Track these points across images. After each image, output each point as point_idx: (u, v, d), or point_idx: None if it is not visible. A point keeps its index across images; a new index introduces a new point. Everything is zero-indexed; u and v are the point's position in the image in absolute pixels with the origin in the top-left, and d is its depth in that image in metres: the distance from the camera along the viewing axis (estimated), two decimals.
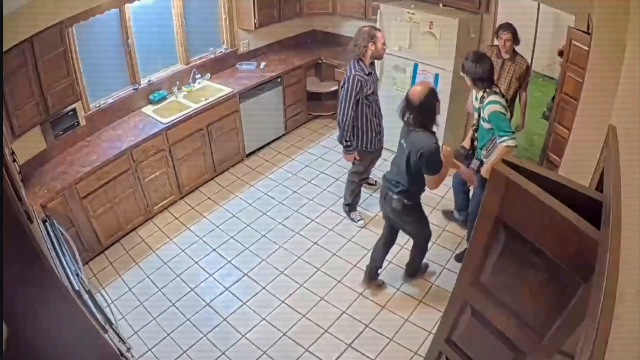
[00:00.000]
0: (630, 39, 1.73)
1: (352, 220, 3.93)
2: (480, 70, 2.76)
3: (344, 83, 3.24)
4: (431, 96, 2.49)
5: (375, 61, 3.45)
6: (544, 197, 1.32)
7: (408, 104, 2.52)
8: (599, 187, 1.60)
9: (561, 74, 3.27)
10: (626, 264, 0.91)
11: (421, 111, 2.50)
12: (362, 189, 4.09)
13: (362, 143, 3.47)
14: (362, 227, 3.87)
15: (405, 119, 2.59)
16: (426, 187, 2.71)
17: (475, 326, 1.83)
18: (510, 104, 3.60)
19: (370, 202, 4.17)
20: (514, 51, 3.56)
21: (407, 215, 2.82)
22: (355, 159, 3.52)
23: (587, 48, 2.67)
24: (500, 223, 1.54)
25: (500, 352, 1.72)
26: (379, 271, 3.29)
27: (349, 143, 3.41)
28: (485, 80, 2.80)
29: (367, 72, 3.26)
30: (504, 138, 2.70)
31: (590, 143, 2.13)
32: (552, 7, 4.44)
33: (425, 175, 2.58)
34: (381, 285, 3.31)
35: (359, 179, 3.77)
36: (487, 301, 1.72)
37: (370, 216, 3.99)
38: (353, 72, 3.20)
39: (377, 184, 4.30)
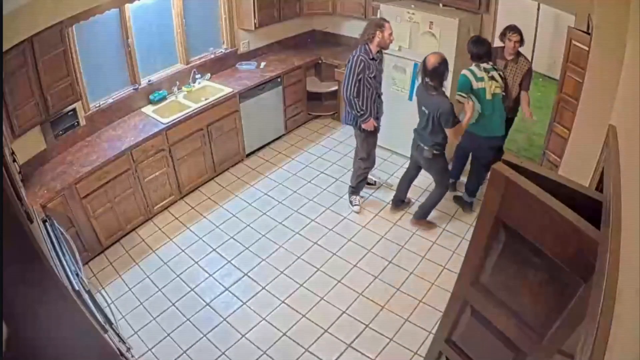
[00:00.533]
0: (630, 39, 1.73)
1: (350, 202, 4.08)
2: (474, 50, 3.41)
3: (348, 62, 3.46)
4: (442, 64, 3.09)
5: (384, 54, 3.64)
6: (544, 197, 1.32)
7: (423, 69, 3.17)
8: (599, 187, 1.60)
9: (561, 74, 3.26)
10: (626, 264, 0.91)
11: (433, 75, 3.11)
12: (379, 196, 4.21)
13: (350, 111, 3.62)
14: (356, 213, 4.01)
15: (423, 82, 3.23)
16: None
17: (475, 326, 1.83)
18: (515, 104, 3.72)
19: (371, 201, 4.17)
20: (518, 52, 3.59)
21: (435, 163, 3.48)
22: (374, 125, 3.63)
23: (587, 48, 2.67)
24: (500, 223, 1.54)
25: (500, 352, 1.72)
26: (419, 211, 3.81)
27: (362, 111, 3.53)
28: (477, 57, 3.39)
29: (371, 57, 3.43)
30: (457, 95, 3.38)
31: (590, 143, 2.13)
32: (552, 7, 4.44)
33: (446, 129, 3.19)
34: (431, 224, 3.83)
35: (364, 165, 3.89)
36: (487, 301, 1.72)
37: (370, 216, 3.99)
38: (358, 53, 3.41)
39: (377, 184, 4.32)
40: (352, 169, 4.10)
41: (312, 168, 4.65)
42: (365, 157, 3.83)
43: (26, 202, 2.02)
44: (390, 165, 4.67)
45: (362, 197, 4.14)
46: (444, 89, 3.21)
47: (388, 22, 3.46)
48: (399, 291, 3.27)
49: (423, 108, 3.31)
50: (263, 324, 3.05)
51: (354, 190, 4.06)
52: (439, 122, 3.19)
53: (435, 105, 3.16)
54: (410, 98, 4.32)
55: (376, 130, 3.73)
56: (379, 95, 3.66)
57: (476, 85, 3.35)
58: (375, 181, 4.35)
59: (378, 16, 4.21)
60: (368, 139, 3.74)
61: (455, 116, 3.17)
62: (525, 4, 5.39)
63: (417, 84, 3.44)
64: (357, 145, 3.88)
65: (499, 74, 3.40)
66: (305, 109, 5.32)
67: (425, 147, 3.40)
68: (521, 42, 3.53)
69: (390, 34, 3.44)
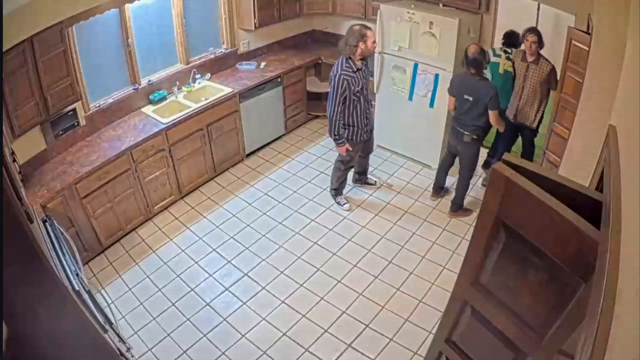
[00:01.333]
0: (630, 39, 1.73)
1: (338, 203, 4.10)
2: (508, 40, 3.87)
3: (331, 81, 3.40)
4: (481, 54, 3.34)
5: (373, 56, 3.63)
6: (544, 197, 1.32)
7: (466, 59, 3.40)
8: (599, 187, 1.60)
9: (561, 74, 3.26)
10: (626, 264, 0.91)
11: (474, 63, 3.35)
12: (363, 189, 4.24)
13: (349, 134, 3.63)
14: (347, 210, 4.04)
15: (467, 70, 3.45)
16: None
17: (475, 326, 1.83)
18: (540, 106, 3.77)
19: (371, 201, 4.17)
20: (539, 54, 3.61)
21: (473, 147, 3.64)
22: (347, 150, 3.65)
23: (587, 48, 2.67)
24: (500, 223, 1.54)
25: (500, 352, 1.72)
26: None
27: (336, 136, 3.55)
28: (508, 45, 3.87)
29: (355, 70, 3.37)
30: None
31: (590, 143, 2.13)
32: (552, 7, 4.44)
33: (490, 111, 3.39)
34: (468, 211, 3.97)
35: (344, 167, 3.91)
36: (487, 301, 1.72)
37: (370, 216, 3.99)
38: (339, 71, 3.32)
39: (377, 183, 4.33)
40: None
41: (312, 168, 4.65)
42: (347, 160, 3.85)
43: (26, 202, 2.02)
44: (390, 165, 4.67)
45: (349, 196, 4.18)
46: (485, 75, 3.47)
47: (370, 28, 3.38)
48: (399, 291, 3.27)
49: (466, 96, 3.46)
50: (263, 324, 3.05)
51: (336, 191, 4.08)
52: (485, 106, 3.38)
53: (485, 90, 3.36)
54: (410, 98, 4.32)
55: (361, 141, 3.74)
56: (369, 103, 3.67)
57: (492, 59, 3.79)
58: (375, 181, 4.36)
59: (377, 17, 4.22)
60: (353, 146, 3.71)
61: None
62: (525, 4, 5.38)
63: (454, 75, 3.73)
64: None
65: (512, 62, 3.79)
66: (305, 109, 5.32)
67: (466, 132, 3.56)
68: (539, 43, 3.57)
69: (374, 42, 3.38)
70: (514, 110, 3.83)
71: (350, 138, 3.64)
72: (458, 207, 3.97)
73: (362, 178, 4.33)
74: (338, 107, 3.40)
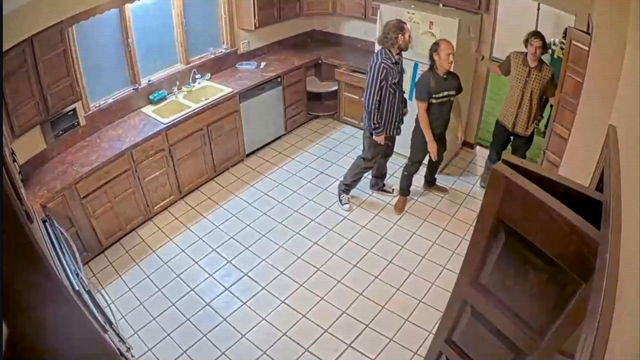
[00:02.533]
0: (630, 39, 1.73)
1: (340, 201, 4.10)
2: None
3: (370, 69, 3.42)
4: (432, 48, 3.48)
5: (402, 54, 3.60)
6: (544, 197, 1.32)
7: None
8: (599, 187, 1.60)
9: (561, 74, 3.26)
10: (626, 264, 0.91)
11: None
12: (379, 196, 4.24)
13: (367, 121, 3.61)
14: (347, 211, 4.05)
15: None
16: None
17: (475, 326, 1.83)
18: (538, 110, 3.74)
19: (371, 201, 4.16)
20: (541, 60, 3.55)
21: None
22: (385, 138, 3.65)
23: (587, 48, 2.67)
24: (500, 223, 1.54)
25: (500, 352, 1.72)
26: None
27: (376, 125, 3.55)
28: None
29: (393, 62, 3.41)
30: None
31: (590, 143, 2.13)
32: (552, 7, 4.44)
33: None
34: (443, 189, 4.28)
35: (365, 165, 3.89)
36: (487, 301, 1.72)
37: (370, 216, 3.99)
38: (380, 60, 3.37)
39: (395, 192, 4.22)
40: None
41: (312, 168, 4.65)
42: (369, 158, 3.83)
43: (26, 202, 2.02)
44: (390, 165, 4.65)
45: (352, 196, 4.17)
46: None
47: (405, 23, 3.45)
48: (399, 291, 3.27)
49: (445, 92, 3.53)
50: (263, 324, 3.05)
51: (347, 188, 4.06)
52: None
53: (457, 79, 3.59)
54: (410, 98, 4.32)
55: (390, 137, 3.76)
56: (404, 100, 3.70)
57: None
58: (393, 189, 4.26)
59: (377, 17, 4.21)
60: (377, 146, 3.73)
61: None
62: (525, 4, 5.39)
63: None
64: (364, 146, 3.85)
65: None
66: (305, 109, 5.32)
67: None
68: (544, 48, 3.50)
69: (410, 35, 3.44)
70: (512, 119, 3.72)
71: (371, 133, 3.65)
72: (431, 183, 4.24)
73: (379, 183, 4.26)
74: (376, 95, 3.42)
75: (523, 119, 3.68)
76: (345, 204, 4.08)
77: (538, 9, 6.07)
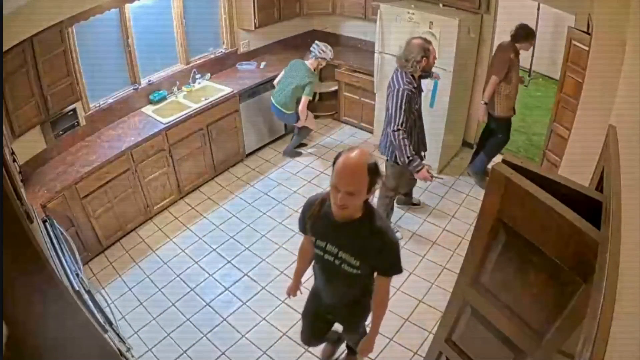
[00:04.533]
0: (630, 39, 1.73)
1: None
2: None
3: (393, 96, 3.01)
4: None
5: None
6: (544, 197, 1.32)
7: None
8: (599, 187, 1.60)
9: (561, 74, 3.27)
10: (626, 264, 0.91)
11: None
12: (427, 215, 3.96)
13: (393, 158, 3.24)
14: (400, 239, 3.62)
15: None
16: None
17: (475, 326, 1.83)
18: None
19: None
20: None
21: None
22: (428, 172, 3.12)
23: (587, 48, 2.67)
24: (500, 223, 1.54)
25: (500, 352, 1.72)
26: None
27: (411, 158, 3.02)
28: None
29: (415, 85, 3.07)
30: None
31: (590, 143, 2.13)
32: (552, 7, 4.44)
33: None
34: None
35: (391, 194, 3.53)
36: (487, 301, 1.72)
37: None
38: (402, 85, 2.98)
39: (422, 203, 4.07)
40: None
41: (312, 168, 4.65)
42: (393, 187, 3.46)
43: (26, 202, 2.02)
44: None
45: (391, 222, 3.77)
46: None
47: (431, 43, 3.09)
48: (399, 291, 3.27)
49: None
50: (263, 324, 3.05)
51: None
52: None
53: None
54: None
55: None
56: (422, 125, 3.31)
57: None
58: (419, 201, 4.06)
59: (378, 17, 4.21)
60: (401, 175, 3.35)
61: None
62: (525, 4, 5.38)
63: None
64: (386, 173, 3.37)
65: None
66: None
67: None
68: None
69: (435, 57, 3.09)
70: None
71: (395, 161, 3.24)
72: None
73: (407, 200, 4.00)
74: (402, 124, 2.97)
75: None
76: (396, 232, 3.60)
77: (538, 9, 6.07)
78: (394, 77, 3.09)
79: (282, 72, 4.46)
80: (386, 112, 3.14)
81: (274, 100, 4.45)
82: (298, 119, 4.46)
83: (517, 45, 3.70)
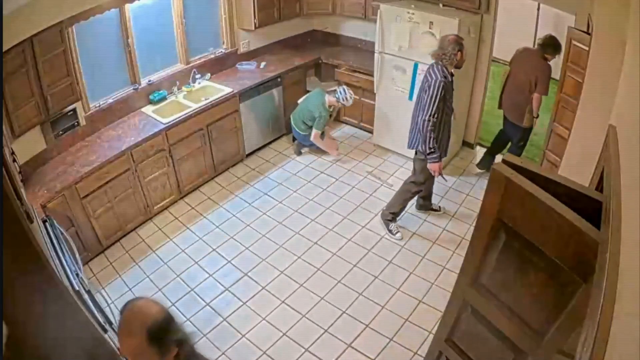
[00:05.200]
0: (630, 39, 1.73)
1: (390, 231, 3.73)
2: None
3: (428, 87, 3.12)
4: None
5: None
6: (544, 197, 1.32)
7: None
8: (599, 187, 1.60)
9: (561, 74, 3.27)
10: (626, 264, 0.91)
11: None
12: (427, 215, 3.97)
13: (421, 144, 3.30)
14: (400, 240, 3.70)
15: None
16: None
17: (475, 326, 1.83)
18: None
19: (371, 201, 4.16)
20: None
21: None
22: (440, 168, 3.30)
23: (587, 48, 2.67)
24: (500, 223, 1.54)
25: (500, 352, 1.72)
26: None
27: (432, 149, 3.20)
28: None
29: (449, 79, 3.17)
30: None
31: (590, 143, 2.13)
32: (552, 7, 4.44)
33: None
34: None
35: (416, 189, 3.60)
36: (487, 301, 1.72)
37: (370, 216, 3.99)
38: (439, 77, 3.09)
39: (442, 209, 4.02)
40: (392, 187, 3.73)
41: (312, 168, 4.65)
42: (421, 182, 3.53)
43: (26, 202, 2.02)
44: (390, 165, 4.67)
45: (400, 225, 3.82)
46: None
47: (463, 39, 3.21)
48: (399, 291, 3.27)
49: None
50: (263, 324, 3.05)
51: (394, 216, 3.71)
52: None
53: None
54: (410, 98, 4.32)
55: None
56: (450, 123, 3.41)
57: None
58: (440, 207, 4.03)
59: (378, 17, 4.21)
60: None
61: None
62: (525, 4, 5.39)
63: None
64: (416, 168, 3.51)
65: None
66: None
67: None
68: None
69: (465, 53, 3.22)
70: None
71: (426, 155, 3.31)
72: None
73: (426, 204, 3.97)
74: (433, 116, 3.10)
75: None
76: (396, 232, 3.72)
77: (538, 9, 6.07)
78: (430, 71, 3.21)
79: (307, 95, 4.75)
80: (418, 105, 3.29)
81: (292, 118, 4.72)
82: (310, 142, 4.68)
83: (546, 55, 3.70)
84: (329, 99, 4.49)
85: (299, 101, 4.71)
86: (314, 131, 4.53)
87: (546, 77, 3.70)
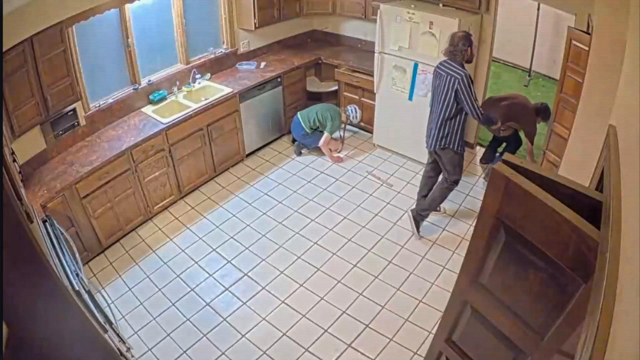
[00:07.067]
0: (630, 39, 1.73)
1: (418, 232, 3.73)
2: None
3: (460, 83, 3.15)
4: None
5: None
6: (544, 197, 1.32)
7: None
8: (599, 187, 1.60)
9: (561, 74, 3.27)
10: (626, 264, 0.91)
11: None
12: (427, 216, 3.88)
13: (460, 145, 3.39)
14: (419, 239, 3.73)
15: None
16: None
17: (475, 326, 1.83)
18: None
19: (371, 201, 4.16)
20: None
21: None
22: (456, 153, 3.42)
23: (587, 48, 2.67)
24: (500, 223, 1.54)
25: (500, 352, 1.72)
26: None
27: (493, 120, 3.55)
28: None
29: None
30: None
31: (590, 143, 2.13)
32: (552, 7, 4.44)
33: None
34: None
35: (453, 188, 3.61)
36: (487, 301, 1.72)
37: (370, 216, 3.99)
38: (465, 72, 3.17)
39: (443, 210, 4.02)
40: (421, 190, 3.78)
41: (312, 168, 4.65)
42: (458, 177, 3.52)
43: (26, 202, 2.02)
44: (390, 165, 4.67)
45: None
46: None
47: (472, 34, 3.27)
48: (399, 291, 3.27)
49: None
50: (263, 324, 3.05)
51: (426, 214, 3.71)
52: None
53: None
54: (410, 98, 4.32)
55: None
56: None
57: None
58: (442, 207, 4.00)
59: (378, 17, 4.21)
60: (461, 161, 3.50)
61: None
62: (525, 4, 5.40)
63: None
64: (449, 167, 3.47)
65: None
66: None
67: None
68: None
69: (475, 47, 3.33)
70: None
71: (458, 149, 3.40)
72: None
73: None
74: (478, 106, 3.20)
75: None
76: (420, 232, 3.74)
77: (538, 9, 6.07)
78: (446, 68, 3.25)
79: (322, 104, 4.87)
80: (438, 104, 3.32)
81: (299, 114, 4.72)
82: (314, 144, 4.75)
83: (537, 117, 3.97)
84: (342, 114, 4.73)
85: (312, 107, 4.80)
86: (326, 135, 4.61)
87: (532, 127, 4.00)
